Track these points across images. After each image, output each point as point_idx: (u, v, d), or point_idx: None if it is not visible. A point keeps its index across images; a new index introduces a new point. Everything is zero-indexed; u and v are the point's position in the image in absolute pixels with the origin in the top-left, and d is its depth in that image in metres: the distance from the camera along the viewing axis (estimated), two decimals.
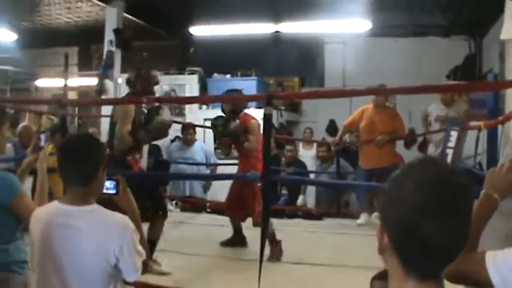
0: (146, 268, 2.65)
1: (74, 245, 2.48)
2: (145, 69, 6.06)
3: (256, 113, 10.07)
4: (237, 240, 6.84)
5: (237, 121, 6.54)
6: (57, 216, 2.55)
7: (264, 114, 4.26)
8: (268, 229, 4.42)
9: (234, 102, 6.54)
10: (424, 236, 1.29)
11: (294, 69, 13.15)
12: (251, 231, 6.33)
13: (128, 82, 5.95)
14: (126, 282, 2.68)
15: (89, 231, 2.49)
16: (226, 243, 6.86)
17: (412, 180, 1.34)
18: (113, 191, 2.73)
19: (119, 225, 2.52)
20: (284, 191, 9.61)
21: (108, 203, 2.69)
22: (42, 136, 3.69)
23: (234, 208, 6.75)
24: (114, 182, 2.72)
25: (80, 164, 2.56)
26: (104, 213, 2.59)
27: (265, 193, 4.57)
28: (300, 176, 9.73)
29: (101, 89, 10.21)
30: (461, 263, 1.68)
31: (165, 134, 5.92)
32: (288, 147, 9.96)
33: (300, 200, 9.57)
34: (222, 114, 6.75)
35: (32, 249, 2.68)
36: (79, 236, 2.48)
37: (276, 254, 6.15)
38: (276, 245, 6.19)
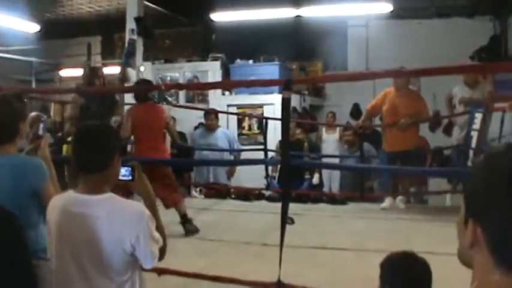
0: (163, 255, 2.66)
1: (90, 234, 2.48)
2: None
3: (278, 98, 10.14)
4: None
5: None
6: (72, 206, 2.56)
7: (282, 99, 4.24)
8: (287, 210, 4.39)
9: None
10: None
11: (316, 53, 13.08)
12: (277, 216, 6.32)
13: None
14: (144, 269, 2.69)
15: (105, 220, 2.49)
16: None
17: (504, 169, 1.26)
18: (128, 178, 2.71)
19: (134, 214, 2.52)
20: (307, 176, 9.58)
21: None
22: (42, 124, 3.67)
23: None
24: (129, 168, 2.71)
25: (95, 151, 2.57)
26: (119, 201, 2.58)
27: (283, 177, 4.57)
28: (314, 159, 9.74)
29: (123, 77, 10.25)
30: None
31: None
32: (296, 131, 9.86)
33: (315, 179, 9.55)
34: None
35: (49, 238, 2.70)
36: (95, 225, 2.48)
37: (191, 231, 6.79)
38: (189, 223, 6.85)
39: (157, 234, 2.57)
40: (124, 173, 2.70)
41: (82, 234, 2.50)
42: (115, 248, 2.47)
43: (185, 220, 6.88)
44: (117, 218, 2.50)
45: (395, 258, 2.61)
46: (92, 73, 7.93)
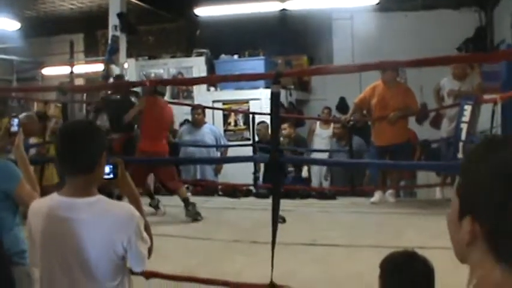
0: (150, 254, 2.55)
1: (79, 239, 2.36)
2: None
3: (264, 93, 10.00)
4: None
5: None
6: (59, 210, 2.42)
7: (272, 93, 4.10)
8: (278, 209, 4.30)
9: None
10: None
11: (302, 47, 12.98)
12: (266, 213, 6.22)
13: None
14: (132, 272, 2.58)
15: (95, 224, 2.37)
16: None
17: (503, 161, 1.17)
18: (110, 176, 2.59)
19: (125, 216, 2.41)
20: (290, 168, 9.49)
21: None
22: (15, 121, 3.46)
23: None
24: (111, 166, 2.59)
25: (82, 151, 2.43)
26: (109, 203, 2.47)
27: (273, 174, 4.46)
28: (301, 154, 9.66)
29: (107, 74, 10.11)
30: None
31: None
32: (283, 125, 9.77)
33: (304, 172, 9.47)
34: None
35: (31, 244, 2.56)
36: (84, 229, 2.36)
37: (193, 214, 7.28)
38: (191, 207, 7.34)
39: (146, 235, 2.47)
40: (106, 171, 2.57)
41: (71, 239, 2.37)
42: (106, 252, 2.37)
43: (187, 204, 7.38)
44: (108, 221, 2.39)
45: (396, 258, 2.50)
46: None
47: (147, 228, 2.53)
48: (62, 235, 2.39)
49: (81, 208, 2.39)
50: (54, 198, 2.49)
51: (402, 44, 11.34)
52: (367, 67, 6.50)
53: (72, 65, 12.53)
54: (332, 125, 10.24)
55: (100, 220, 2.38)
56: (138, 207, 2.55)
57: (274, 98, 4.10)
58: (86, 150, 2.43)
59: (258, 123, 9.52)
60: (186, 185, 9.72)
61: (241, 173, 9.54)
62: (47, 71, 14.43)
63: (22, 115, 7.77)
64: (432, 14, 12.11)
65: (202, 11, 11.86)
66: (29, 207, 2.58)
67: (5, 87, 10.10)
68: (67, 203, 2.42)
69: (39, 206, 2.53)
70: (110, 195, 2.87)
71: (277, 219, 4.24)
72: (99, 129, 2.60)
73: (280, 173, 6.13)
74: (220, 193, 9.56)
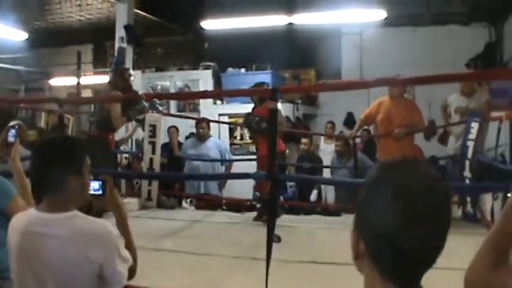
0: (133, 274, 2.46)
1: (54, 255, 2.30)
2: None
3: None
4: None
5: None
6: (34, 225, 2.36)
7: (269, 109, 4.01)
8: (273, 227, 4.22)
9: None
10: (403, 246, 1.22)
11: (310, 61, 12.96)
12: (265, 229, 6.12)
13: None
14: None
15: (70, 240, 2.30)
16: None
17: (389, 186, 1.22)
18: (98, 192, 2.53)
19: (101, 233, 2.33)
20: (291, 183, 9.41)
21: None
22: (12, 131, 3.40)
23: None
24: (100, 182, 2.52)
25: (50, 170, 2.36)
26: (85, 220, 2.38)
27: (271, 191, 4.38)
28: (314, 171, 9.53)
29: None
30: (493, 276, 1.55)
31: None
32: (303, 140, 9.72)
33: (313, 196, 9.36)
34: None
35: (10, 259, 2.49)
36: (59, 245, 2.30)
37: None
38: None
39: (126, 253, 2.39)
40: (94, 186, 2.50)
41: (44, 255, 2.31)
42: (81, 269, 2.30)
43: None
44: (83, 238, 2.31)
45: None
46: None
47: (130, 248, 2.46)
48: (35, 250, 2.33)
49: (55, 224, 2.33)
50: (31, 213, 2.44)
51: (411, 58, 11.28)
52: (368, 84, 6.39)
53: (79, 76, 12.52)
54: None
55: (75, 236, 2.31)
56: (124, 225, 2.50)
57: (272, 115, 4.00)
58: (53, 170, 2.36)
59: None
60: (189, 199, 9.67)
61: (246, 188, 9.44)
62: (55, 81, 14.45)
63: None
64: (442, 29, 12.05)
65: (209, 24, 11.83)
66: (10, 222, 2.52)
67: None
68: (41, 218, 2.37)
69: (17, 221, 2.48)
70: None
71: (272, 238, 4.15)
72: (76, 147, 2.49)
73: (276, 191, 6.06)
74: (224, 208, 9.48)
